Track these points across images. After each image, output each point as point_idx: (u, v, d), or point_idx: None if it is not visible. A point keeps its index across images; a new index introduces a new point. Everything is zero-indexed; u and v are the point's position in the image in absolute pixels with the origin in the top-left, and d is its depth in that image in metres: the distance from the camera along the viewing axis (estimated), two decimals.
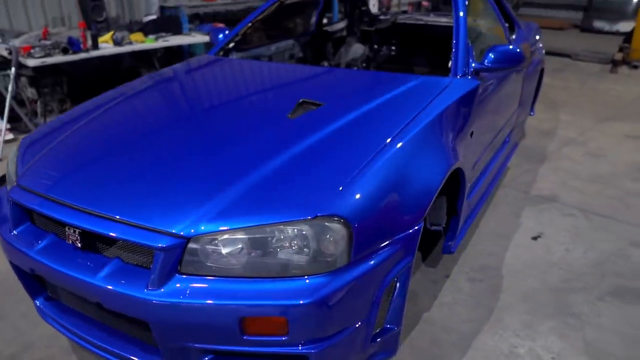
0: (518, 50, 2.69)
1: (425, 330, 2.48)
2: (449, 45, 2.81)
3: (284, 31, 4.25)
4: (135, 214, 1.63)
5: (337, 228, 1.58)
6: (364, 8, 4.88)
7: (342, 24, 4.87)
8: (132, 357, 1.75)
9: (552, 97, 6.60)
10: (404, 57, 4.55)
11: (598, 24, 12.07)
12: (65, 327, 1.95)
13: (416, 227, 1.82)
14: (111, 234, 1.61)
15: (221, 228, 1.56)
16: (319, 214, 1.57)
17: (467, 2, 2.94)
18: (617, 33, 11.27)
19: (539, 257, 3.09)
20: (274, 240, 1.57)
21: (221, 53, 3.34)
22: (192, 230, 1.56)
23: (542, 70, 4.62)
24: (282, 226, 1.56)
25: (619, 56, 8.16)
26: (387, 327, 1.85)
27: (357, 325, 1.68)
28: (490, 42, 3.35)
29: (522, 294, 2.74)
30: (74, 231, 1.72)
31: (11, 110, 5.05)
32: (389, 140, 1.92)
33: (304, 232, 1.56)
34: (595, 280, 2.85)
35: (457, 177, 2.37)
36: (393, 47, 4.74)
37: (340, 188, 1.65)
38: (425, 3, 10.76)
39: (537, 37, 4.70)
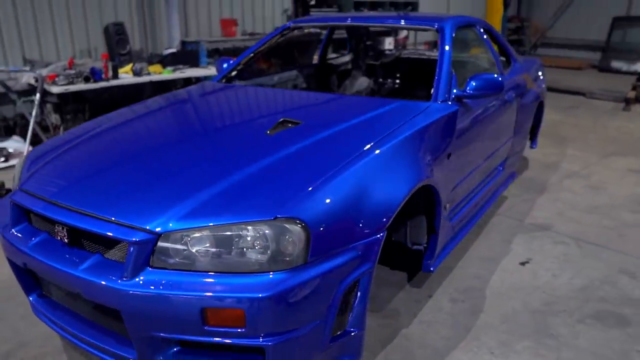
0: (498, 78, 2.83)
1: (402, 345, 2.55)
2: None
3: (288, 62, 4.47)
4: (115, 212, 1.79)
5: (295, 230, 1.71)
6: (369, 43, 5.10)
7: (347, 57, 5.08)
8: (109, 349, 1.88)
9: (562, 133, 6.67)
10: (406, 88, 4.72)
11: (616, 64, 12.14)
12: (55, 323, 2.10)
13: (378, 236, 1.93)
14: (92, 229, 1.78)
15: (189, 226, 1.71)
16: (278, 216, 1.70)
17: (452, 38, 3.12)
18: (635, 73, 11.25)
19: (524, 281, 3.13)
20: (237, 239, 1.71)
21: (223, 80, 3.56)
22: (162, 228, 1.71)
23: (541, 103, 4.71)
24: (244, 225, 1.70)
25: (631, 94, 8.20)
26: (349, 330, 1.94)
27: (315, 323, 1.78)
28: (479, 71, 3.50)
29: (502, 315, 2.79)
30: (62, 228, 1.89)
31: (34, 134, 5.36)
32: (357, 154, 2.06)
33: (265, 232, 1.69)
34: (578, 304, 2.89)
35: (432, 194, 2.48)
36: (397, 80, 4.92)
37: (306, 191, 1.79)
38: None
39: (539, 72, 4.82)
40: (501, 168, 3.89)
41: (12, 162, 5.20)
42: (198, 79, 6.73)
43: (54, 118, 5.90)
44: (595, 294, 3.00)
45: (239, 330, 1.67)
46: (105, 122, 2.71)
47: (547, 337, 2.61)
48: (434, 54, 5.05)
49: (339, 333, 1.92)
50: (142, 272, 1.71)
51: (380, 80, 4.95)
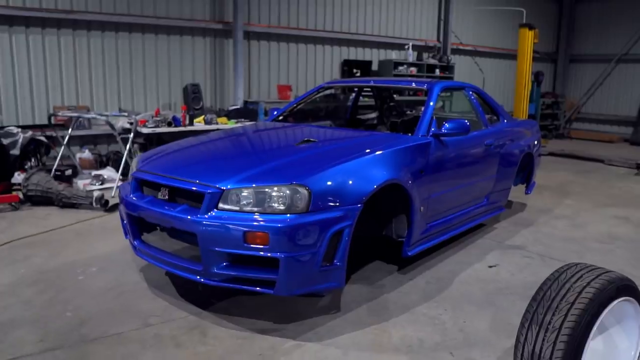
0: (466, 122, 3.97)
1: (381, 301, 3.57)
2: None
3: (323, 114, 5.77)
4: (198, 178, 3.04)
5: (303, 192, 2.88)
6: (392, 104, 6.35)
7: (373, 114, 6.34)
8: (185, 265, 3.07)
9: (568, 189, 7.55)
10: None
11: None
12: (150, 256, 3.31)
13: (357, 206, 3.06)
14: (184, 187, 3.02)
15: (241, 186, 2.92)
16: (293, 182, 2.89)
17: (437, 95, 4.32)
18: None
19: (487, 277, 4.10)
20: (268, 195, 2.89)
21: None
22: (228, 187, 2.93)
23: (529, 155, 5.71)
24: (272, 187, 2.89)
25: None
26: (335, 263, 3.04)
27: (312, 251, 2.89)
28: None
29: (460, 293, 3.77)
30: (165, 189, 3.14)
31: (125, 164, 6.81)
32: (349, 158, 3.25)
33: (285, 192, 2.87)
34: (523, 290, 3.82)
35: (405, 194, 3.58)
36: None
37: (312, 173, 2.99)
38: None
39: (531, 130, 5.87)
40: (485, 200, 4.92)
41: (107, 185, 6.64)
42: None
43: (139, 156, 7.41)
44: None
45: (265, 246, 2.82)
46: (190, 140, 4.05)
47: (490, 304, 3.58)
48: (445, 113, 6.25)
49: (328, 264, 3.02)
50: (211, 211, 2.92)
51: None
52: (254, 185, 2.93)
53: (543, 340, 2.16)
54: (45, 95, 7.32)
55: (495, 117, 5.44)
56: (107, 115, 6.94)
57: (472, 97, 5.00)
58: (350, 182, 3.10)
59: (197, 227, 2.91)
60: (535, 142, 5.95)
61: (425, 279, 3.99)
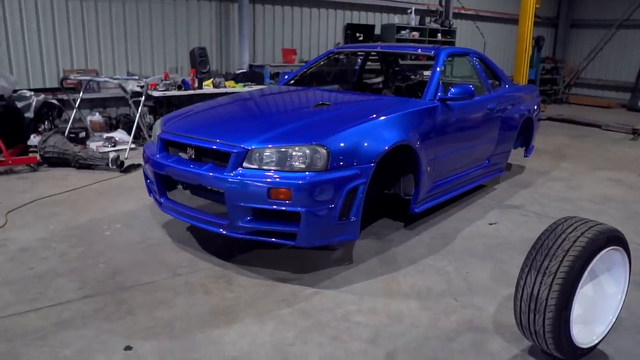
0: (470, 87, 4.18)
1: (390, 254, 3.86)
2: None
3: (331, 78, 5.96)
4: (224, 138, 3.27)
5: (322, 151, 3.12)
6: (397, 68, 6.53)
7: (379, 79, 6.52)
8: (212, 220, 3.32)
9: (565, 153, 7.80)
10: None
11: None
12: (176, 211, 3.56)
13: (370, 164, 3.30)
14: (210, 146, 3.25)
15: (264, 146, 3.15)
16: (313, 142, 3.12)
17: (443, 61, 4.51)
18: None
19: (488, 233, 4.38)
20: (289, 154, 3.13)
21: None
22: (252, 147, 3.16)
23: (529, 119, 5.93)
24: (294, 147, 3.12)
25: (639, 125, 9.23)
26: (350, 217, 3.30)
27: (330, 206, 3.15)
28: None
29: (464, 248, 4.06)
30: (190, 149, 3.37)
31: (137, 126, 7.01)
32: (363, 120, 3.48)
33: (305, 151, 3.11)
34: (521, 246, 4.10)
35: (414, 155, 3.82)
36: None
37: (330, 134, 3.21)
38: None
39: (530, 95, 6.07)
40: (486, 162, 5.17)
41: (119, 147, 6.85)
42: None
43: (148, 118, 7.60)
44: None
45: (287, 202, 3.07)
46: (210, 103, 4.25)
47: (490, 257, 3.87)
48: (449, 78, 6.44)
49: (344, 218, 3.28)
50: (237, 169, 3.15)
51: None
52: (276, 145, 3.16)
53: (540, 283, 2.43)
54: (55, 59, 7.44)
55: (497, 82, 5.64)
56: (118, 79, 7.10)
57: (476, 63, 5.19)
58: (365, 143, 3.33)
59: (224, 184, 3.15)
60: (535, 107, 6.16)
61: (431, 235, 4.26)
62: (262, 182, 3.08)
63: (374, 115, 3.61)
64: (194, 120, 3.77)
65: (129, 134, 6.99)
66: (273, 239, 3.24)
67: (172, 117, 3.95)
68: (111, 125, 7.81)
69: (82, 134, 6.98)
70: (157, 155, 3.60)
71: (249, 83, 7.99)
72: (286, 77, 5.29)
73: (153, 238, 4.02)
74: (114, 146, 6.87)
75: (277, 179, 3.07)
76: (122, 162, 5.91)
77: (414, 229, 4.37)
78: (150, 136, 7.30)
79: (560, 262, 2.42)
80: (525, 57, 10.69)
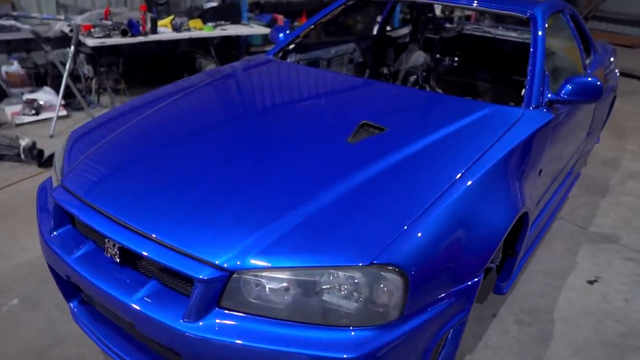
0: (598, 83, 2.47)
1: None
2: (518, 66, 2.59)
3: (346, 33, 4.10)
4: (177, 237, 1.54)
5: (392, 278, 1.45)
6: (430, 15, 4.69)
7: (405, 30, 4.70)
8: None
9: (619, 123, 6.23)
10: (468, 71, 4.34)
11: None
12: (96, 336, 1.89)
13: (475, 279, 1.67)
14: (150, 256, 1.53)
15: (268, 265, 1.45)
16: (374, 262, 1.44)
17: (545, 28, 2.74)
18: None
19: (594, 304, 2.88)
20: (322, 284, 1.45)
21: (280, 54, 3.23)
22: (238, 263, 1.46)
23: (614, 97, 4.32)
24: (332, 270, 1.44)
25: None
26: None
27: None
28: (566, 67, 3.13)
29: (574, 346, 2.55)
30: (113, 245, 1.65)
31: (66, 86, 5.09)
32: (456, 177, 1.77)
33: (356, 280, 1.44)
34: None
35: (520, 218, 2.19)
36: (456, 59, 4.53)
37: (402, 230, 1.52)
38: None
39: (612, 61, 4.39)
40: (571, 170, 3.56)
41: (43, 115, 4.96)
42: (239, 38, 6.37)
43: (86, 69, 5.62)
44: None
45: None
46: (156, 101, 2.43)
47: None
48: (500, 32, 4.64)
49: None
50: (209, 313, 1.47)
51: (438, 56, 4.56)
52: (292, 264, 1.46)
53: None
54: None
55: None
56: (35, 17, 5.07)
57: (571, 24, 3.42)
58: (465, 231, 1.66)
59: (180, 342, 1.48)
60: (618, 76, 4.50)
61: (514, 315, 2.73)
62: (263, 350, 1.42)
63: (467, 164, 1.86)
64: (118, 167, 1.91)
65: (58, 95, 5.06)
66: None
67: (85, 140, 2.13)
68: (38, 77, 5.80)
69: None
70: (54, 234, 1.87)
71: (222, 22, 6.00)
72: (281, 36, 3.42)
73: (65, 338, 2.37)
74: (36, 113, 4.97)
75: (295, 344, 1.42)
76: (41, 152, 4.08)
77: (486, 304, 2.81)
78: (84, 97, 5.38)
79: None
80: None
